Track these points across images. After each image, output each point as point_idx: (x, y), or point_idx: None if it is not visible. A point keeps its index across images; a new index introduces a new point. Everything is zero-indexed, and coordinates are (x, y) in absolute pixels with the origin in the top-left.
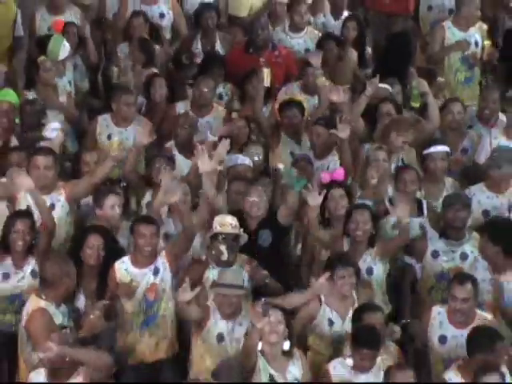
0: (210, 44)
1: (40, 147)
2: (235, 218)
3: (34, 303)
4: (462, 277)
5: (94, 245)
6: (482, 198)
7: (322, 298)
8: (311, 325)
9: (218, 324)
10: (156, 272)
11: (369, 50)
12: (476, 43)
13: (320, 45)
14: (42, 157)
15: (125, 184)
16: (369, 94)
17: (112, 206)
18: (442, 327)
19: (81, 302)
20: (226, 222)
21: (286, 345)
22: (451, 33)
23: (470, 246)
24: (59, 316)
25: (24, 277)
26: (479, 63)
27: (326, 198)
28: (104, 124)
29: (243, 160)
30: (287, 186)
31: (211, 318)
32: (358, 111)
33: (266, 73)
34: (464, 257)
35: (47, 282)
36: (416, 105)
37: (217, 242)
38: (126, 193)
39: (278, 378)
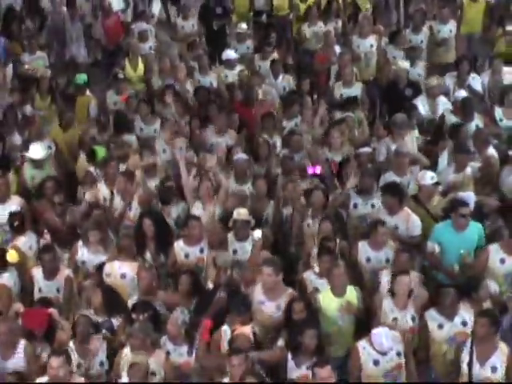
0: None
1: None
2: (246, 210)
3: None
4: (377, 222)
5: (145, 223)
6: (390, 179)
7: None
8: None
9: None
10: (201, 250)
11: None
12: None
13: None
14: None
15: None
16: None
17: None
18: (367, 252)
19: (148, 255)
20: (241, 212)
21: None
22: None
23: (377, 199)
24: None
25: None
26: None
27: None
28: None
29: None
30: None
31: None
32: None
33: None
34: (373, 206)
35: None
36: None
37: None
38: None
39: None
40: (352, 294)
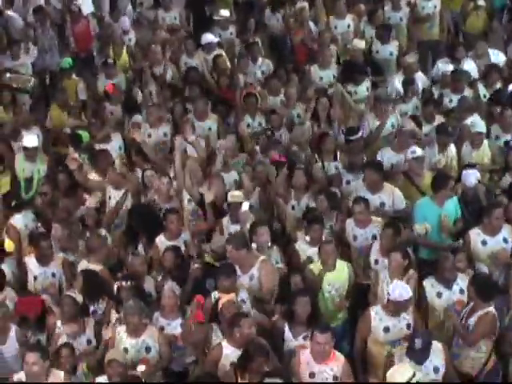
0: None
1: None
2: (240, 191)
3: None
4: (354, 200)
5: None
6: (388, 156)
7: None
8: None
9: None
10: (185, 244)
11: None
12: None
13: None
14: None
15: None
16: None
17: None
18: (353, 230)
19: (140, 247)
20: (234, 194)
21: None
22: None
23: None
24: None
25: None
26: None
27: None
28: None
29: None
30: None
31: None
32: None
33: None
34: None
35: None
36: None
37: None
38: None
39: None
40: (342, 268)
